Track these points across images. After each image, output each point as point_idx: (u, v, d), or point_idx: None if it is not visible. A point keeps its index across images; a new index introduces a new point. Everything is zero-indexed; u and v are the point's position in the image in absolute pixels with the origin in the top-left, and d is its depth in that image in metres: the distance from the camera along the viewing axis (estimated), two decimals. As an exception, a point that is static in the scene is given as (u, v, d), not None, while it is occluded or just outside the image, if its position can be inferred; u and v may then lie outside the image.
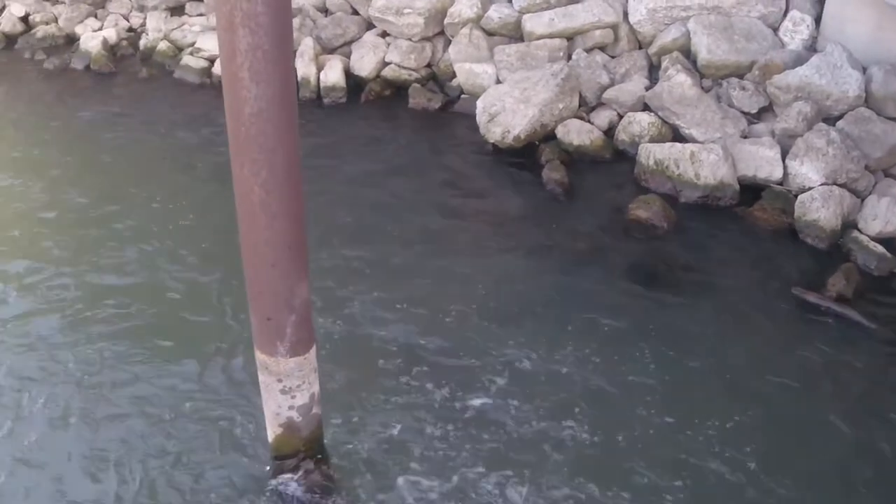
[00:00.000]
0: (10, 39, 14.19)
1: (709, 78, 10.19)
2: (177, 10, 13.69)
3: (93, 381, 6.74)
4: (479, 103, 10.22)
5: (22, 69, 13.21)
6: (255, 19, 4.29)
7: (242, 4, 4.26)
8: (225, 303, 7.53)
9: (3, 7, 14.58)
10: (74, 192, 9.47)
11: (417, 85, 11.43)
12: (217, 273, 7.91)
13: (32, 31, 14.22)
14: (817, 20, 10.18)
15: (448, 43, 11.56)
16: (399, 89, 11.53)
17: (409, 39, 11.56)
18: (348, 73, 11.65)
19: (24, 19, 14.49)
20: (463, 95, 11.24)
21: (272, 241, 4.84)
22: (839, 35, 9.77)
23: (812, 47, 10.13)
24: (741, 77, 10.05)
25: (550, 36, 10.82)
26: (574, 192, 9.22)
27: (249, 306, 5.19)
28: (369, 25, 12.10)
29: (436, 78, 11.66)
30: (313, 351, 5.43)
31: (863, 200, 8.67)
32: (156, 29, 13.41)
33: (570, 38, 10.89)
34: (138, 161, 10.17)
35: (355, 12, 12.33)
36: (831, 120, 9.24)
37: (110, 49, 13.29)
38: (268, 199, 4.68)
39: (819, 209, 8.38)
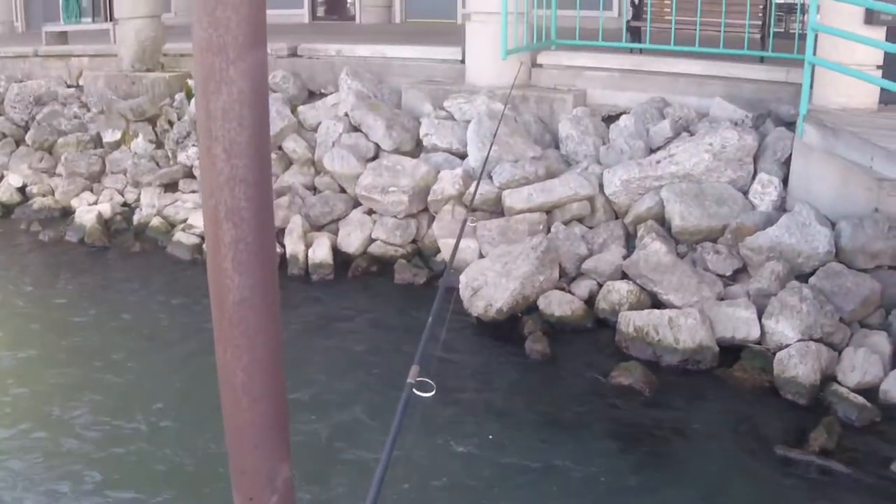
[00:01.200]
0: (7, 209, 14.62)
1: (683, 243, 10.50)
2: (170, 187, 14.10)
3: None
4: (463, 278, 10.43)
5: (17, 240, 13.52)
6: (238, 213, 4.50)
7: (227, 200, 4.48)
8: (202, 471, 7.45)
9: (2, 177, 15.01)
10: (50, 361, 9.53)
11: (403, 260, 11.68)
12: (193, 439, 7.90)
13: (29, 201, 14.63)
14: (785, 181, 10.58)
15: (432, 219, 11.92)
16: (385, 265, 11.75)
17: (395, 216, 11.93)
18: (336, 250, 11.92)
19: (22, 190, 14.90)
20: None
21: (254, 422, 4.89)
22: (806, 194, 10.14)
23: (782, 207, 10.48)
24: (715, 241, 10.34)
25: (530, 210, 11.15)
26: (557, 361, 9.33)
27: (232, 485, 5.19)
28: (356, 203, 12.48)
29: (421, 253, 11.93)
30: (297, 531, 5.42)
31: (840, 353, 8.76)
32: (149, 205, 13.76)
33: (549, 211, 11.23)
34: (121, 334, 10.28)
35: (343, 191, 12.78)
36: (804, 276, 9.45)
37: (104, 223, 13.59)
38: (250, 382, 4.78)
39: (797, 365, 8.48)
